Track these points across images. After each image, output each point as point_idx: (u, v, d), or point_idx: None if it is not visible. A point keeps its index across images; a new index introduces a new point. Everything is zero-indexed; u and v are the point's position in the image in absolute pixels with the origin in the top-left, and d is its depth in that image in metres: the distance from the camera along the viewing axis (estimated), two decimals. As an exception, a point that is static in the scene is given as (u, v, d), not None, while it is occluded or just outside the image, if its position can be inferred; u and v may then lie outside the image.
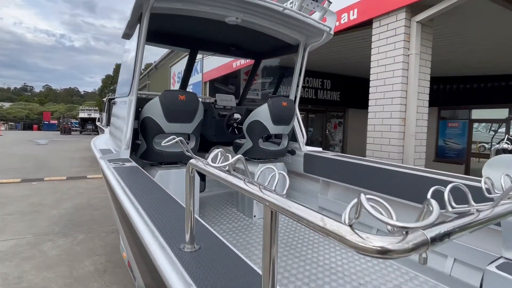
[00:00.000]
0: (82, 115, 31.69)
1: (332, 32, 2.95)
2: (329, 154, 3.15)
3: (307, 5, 2.68)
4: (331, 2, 2.80)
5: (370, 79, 4.26)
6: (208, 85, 10.71)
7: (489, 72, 9.17)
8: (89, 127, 31.36)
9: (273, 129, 3.06)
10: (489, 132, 10.00)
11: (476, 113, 10.29)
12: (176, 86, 15.37)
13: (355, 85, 11.80)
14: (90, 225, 4.72)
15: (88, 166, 10.29)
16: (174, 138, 1.04)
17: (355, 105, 12.12)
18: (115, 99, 3.20)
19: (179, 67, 14.66)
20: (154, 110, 2.49)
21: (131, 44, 3.02)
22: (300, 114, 3.98)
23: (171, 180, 2.63)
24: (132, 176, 1.75)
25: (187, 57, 13.24)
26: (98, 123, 15.55)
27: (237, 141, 3.39)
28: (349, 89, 11.44)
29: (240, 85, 10.25)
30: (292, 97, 3.43)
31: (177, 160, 2.71)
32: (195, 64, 12.23)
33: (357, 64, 9.15)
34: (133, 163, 2.10)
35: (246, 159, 3.39)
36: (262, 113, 3.00)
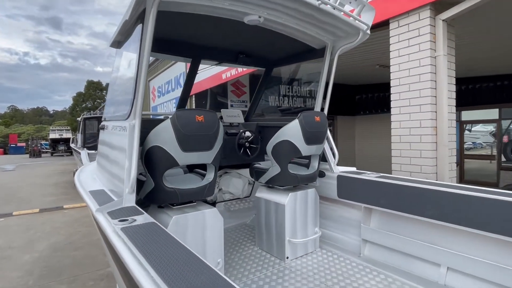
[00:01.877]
0: (53, 135, 29.76)
1: (368, 32, 2.49)
2: (368, 175, 2.65)
3: (345, -2, 2.20)
4: (370, -5, 2.35)
5: (391, 85, 3.85)
6: (194, 99, 10.07)
7: (476, 74, 9.19)
8: (61, 148, 29.46)
9: (305, 150, 2.52)
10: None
11: (466, 115, 10.30)
12: (156, 101, 14.56)
13: (342, 92, 11.61)
14: (73, 270, 3.92)
15: (63, 194, 9.27)
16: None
17: (343, 112, 11.93)
18: (105, 123, 2.54)
19: (159, 81, 13.91)
20: (165, 137, 1.88)
21: (125, 53, 2.40)
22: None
23: (190, 226, 2.01)
24: (154, 244, 1.14)
25: (166, 71, 12.50)
26: (72, 145, 14.35)
27: (257, 165, 2.81)
28: (336, 96, 11.18)
29: (227, 97, 9.69)
30: (317, 108, 2.92)
31: (194, 198, 2.10)
32: (178, 77, 11.59)
33: (345, 71, 8.90)
34: (146, 216, 1.49)
35: (270, 187, 2.81)
36: (292, 132, 2.46)
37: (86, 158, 9.47)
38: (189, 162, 1.99)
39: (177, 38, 2.77)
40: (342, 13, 2.26)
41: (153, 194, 2.00)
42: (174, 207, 2.12)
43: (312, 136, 2.50)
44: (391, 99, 3.86)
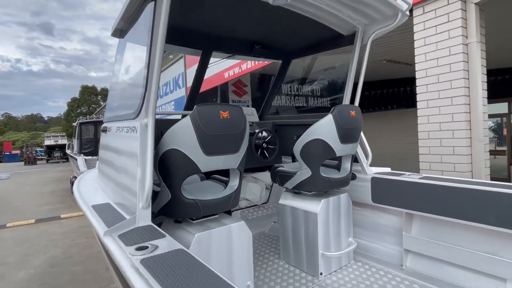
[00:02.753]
0: (48, 142, 29.21)
1: (408, 13, 2.17)
2: (408, 177, 2.33)
3: (385, -28, 1.89)
4: (412, -32, 2.03)
5: (416, 77, 3.54)
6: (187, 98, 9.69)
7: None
8: (56, 154, 28.92)
9: (340, 149, 2.19)
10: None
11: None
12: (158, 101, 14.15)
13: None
14: (73, 290, 3.56)
15: (59, 202, 8.86)
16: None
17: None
18: (107, 124, 2.20)
19: (161, 80, 13.53)
20: (183, 138, 1.55)
21: (131, 43, 2.07)
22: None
23: (214, 244, 1.68)
24: (188, 283, 0.81)
25: (164, 72, 12.14)
26: (68, 151, 13.90)
27: (282, 168, 2.48)
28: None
29: (228, 98, 9.36)
30: (345, 102, 2.59)
31: (219, 210, 1.76)
32: (176, 78, 11.22)
33: (346, 67, 8.62)
34: (170, 240, 1.15)
35: (296, 192, 2.48)
36: (325, 129, 2.13)
37: (83, 164, 9.12)
38: (213, 168, 1.65)
39: (186, 26, 2.44)
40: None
41: (170, 207, 1.66)
42: (194, 222, 1.78)
43: (348, 134, 2.18)
44: (417, 92, 3.55)
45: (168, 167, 1.60)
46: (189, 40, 2.61)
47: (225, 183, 2.00)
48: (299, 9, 2.11)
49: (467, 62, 3.18)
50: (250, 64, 6.53)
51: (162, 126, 2.52)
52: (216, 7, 2.12)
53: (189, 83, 9.97)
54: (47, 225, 6.45)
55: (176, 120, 2.55)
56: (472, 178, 3.20)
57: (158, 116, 2.70)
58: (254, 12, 2.19)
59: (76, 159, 9.75)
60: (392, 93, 10.61)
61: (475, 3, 3.12)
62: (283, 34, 2.69)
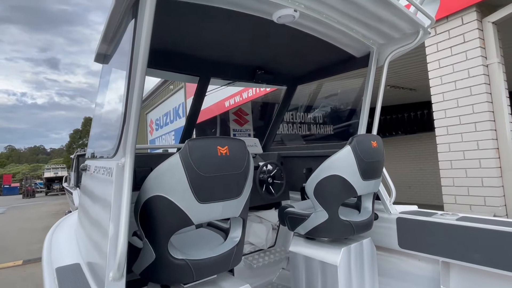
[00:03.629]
0: (48, 174, 28.88)
1: (430, 30, 1.92)
2: (443, 217, 1.96)
3: (405, -16, 1.65)
4: (434, -19, 1.80)
5: (433, 101, 3.26)
6: (194, 130, 9.48)
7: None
8: (56, 186, 28.48)
9: (362, 187, 1.85)
10: None
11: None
12: (154, 134, 13.99)
13: (348, 116, 11.12)
14: None
15: (52, 240, 8.33)
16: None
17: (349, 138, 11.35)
18: (88, 162, 1.89)
19: (156, 113, 13.44)
20: (171, 181, 1.22)
21: (115, 69, 1.80)
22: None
23: None
24: None
25: (164, 102, 12.05)
26: (65, 184, 13.51)
27: (291, 209, 2.12)
28: (342, 121, 10.66)
29: (229, 127, 9.13)
30: (361, 132, 2.28)
31: (217, 271, 1.39)
32: (177, 107, 11.09)
33: (347, 94, 8.44)
34: None
35: (309, 238, 2.11)
36: (342, 163, 1.80)
37: (78, 199, 8.71)
38: (208, 219, 1.31)
39: (180, 50, 2.19)
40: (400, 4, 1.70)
41: (154, 270, 1.29)
42: (185, 287, 1.40)
43: (370, 168, 1.84)
44: (434, 118, 3.26)
45: (151, 219, 1.26)
46: (185, 66, 2.36)
47: (225, 232, 1.64)
48: (307, 27, 1.86)
49: (489, 84, 2.91)
50: (251, 92, 6.35)
51: (154, 162, 2.21)
52: (214, 28, 1.88)
53: (190, 112, 9.79)
54: (35, 267, 5.95)
55: (164, 156, 2.22)
56: (506, 214, 2.81)
57: (148, 151, 2.41)
58: (256, 33, 1.95)
59: (71, 193, 9.36)
60: (396, 119, 10.38)
61: (492, 22, 2.90)
62: (288, 58, 2.44)
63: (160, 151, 3.24)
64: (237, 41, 2.12)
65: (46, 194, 28.12)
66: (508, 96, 3.08)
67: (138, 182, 1.88)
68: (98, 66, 1.88)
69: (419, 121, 9.74)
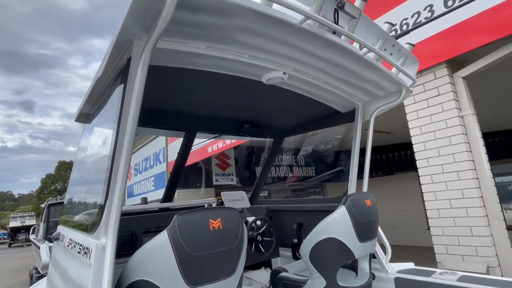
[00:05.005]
0: (13, 223, 26.73)
1: (412, 89, 2.00)
2: (440, 276, 1.88)
3: (386, 49, 1.73)
4: (413, 45, 1.91)
5: (415, 150, 3.34)
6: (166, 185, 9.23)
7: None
8: (21, 237, 26.24)
9: (359, 249, 1.76)
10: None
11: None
12: (132, 179, 13.50)
13: (333, 159, 11.29)
14: None
15: (12, 304, 7.46)
16: None
17: (332, 179, 11.44)
18: (61, 230, 1.72)
19: (136, 158, 13.11)
20: (157, 263, 1.09)
21: (97, 129, 1.72)
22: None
23: None
24: None
25: (144, 147, 11.81)
26: (31, 237, 12.43)
27: (285, 274, 1.98)
28: (326, 163, 10.80)
29: (211, 172, 8.97)
30: (352, 190, 2.25)
31: None
32: (157, 153, 10.87)
33: (328, 138, 8.66)
34: None
35: None
36: (338, 225, 1.73)
37: (46, 254, 7.93)
38: None
39: (167, 108, 2.15)
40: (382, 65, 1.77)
41: None
42: None
43: (366, 229, 1.77)
44: (418, 166, 3.31)
45: None
46: (170, 122, 2.31)
47: None
48: (294, 87, 1.89)
49: (466, 134, 3.02)
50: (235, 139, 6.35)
51: (135, 224, 2.04)
52: (202, 88, 1.86)
53: (171, 157, 9.61)
54: None
55: (146, 216, 2.05)
56: (499, 263, 2.77)
57: (128, 208, 2.25)
58: (244, 92, 1.95)
59: (38, 247, 8.56)
60: (375, 160, 10.64)
61: (462, 77, 3.11)
62: (275, 113, 2.46)
63: (144, 206, 3.06)
64: (225, 99, 2.11)
65: (10, 246, 25.80)
66: (484, 144, 3.21)
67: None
68: (75, 109, 1.78)
69: (397, 162, 10.00)
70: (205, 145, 7.29)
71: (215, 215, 1.21)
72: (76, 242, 1.33)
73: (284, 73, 1.64)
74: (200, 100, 2.08)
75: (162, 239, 1.11)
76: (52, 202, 10.42)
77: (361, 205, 1.79)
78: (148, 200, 3.19)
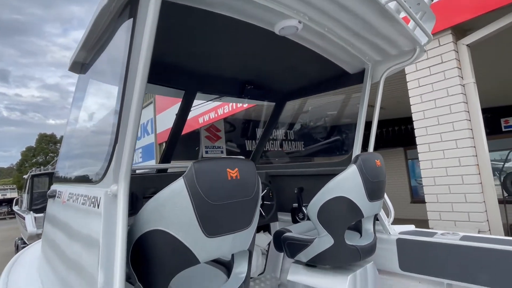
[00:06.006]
0: (-5, 196, 26.18)
1: (426, 48, 1.92)
2: (442, 237, 1.91)
3: (406, 0, 1.63)
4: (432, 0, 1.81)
5: (414, 119, 3.33)
6: (164, 147, 9.08)
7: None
8: (3, 210, 25.79)
9: (368, 209, 1.75)
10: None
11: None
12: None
13: (319, 135, 11.32)
14: None
15: (-1, 273, 7.35)
16: None
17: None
18: (57, 187, 1.61)
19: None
20: (174, 212, 1.02)
21: (95, 79, 1.58)
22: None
23: None
24: None
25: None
26: (15, 208, 12.18)
27: (289, 234, 1.96)
28: (313, 139, 10.82)
29: (200, 145, 8.85)
30: (356, 152, 2.21)
31: None
32: (145, 124, 10.60)
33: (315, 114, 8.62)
34: None
35: (309, 265, 1.94)
36: (349, 184, 1.69)
37: (32, 224, 7.82)
38: (216, 255, 1.11)
39: (167, 61, 2.00)
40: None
41: None
42: None
43: (375, 189, 1.75)
44: (416, 135, 3.31)
45: (148, 258, 1.04)
46: (170, 79, 2.17)
47: (225, 267, 1.44)
48: (306, 41, 1.77)
49: (466, 103, 3.02)
50: (227, 108, 6.21)
51: (135, 185, 1.96)
52: (208, 38, 1.73)
53: (159, 128, 9.38)
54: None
55: (152, 178, 1.96)
56: (489, 228, 2.86)
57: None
58: (252, 45, 1.82)
59: (23, 218, 8.41)
60: (364, 135, 10.74)
61: (467, 45, 3.05)
62: (280, 73, 2.35)
63: (149, 170, 2.94)
64: (229, 53, 1.98)
65: (-9, 219, 25.32)
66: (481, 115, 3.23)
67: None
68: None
69: (384, 138, 10.15)
70: (196, 116, 7.12)
71: (232, 164, 1.14)
72: (78, 195, 1.23)
73: (300, 22, 1.52)
74: (203, 54, 1.94)
75: (178, 186, 1.03)
76: (35, 173, 10.15)
77: (372, 164, 1.75)
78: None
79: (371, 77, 2.15)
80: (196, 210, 1.02)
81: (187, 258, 1.04)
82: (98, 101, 1.49)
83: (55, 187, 1.70)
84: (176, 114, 2.44)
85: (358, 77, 2.20)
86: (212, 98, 2.52)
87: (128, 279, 1.18)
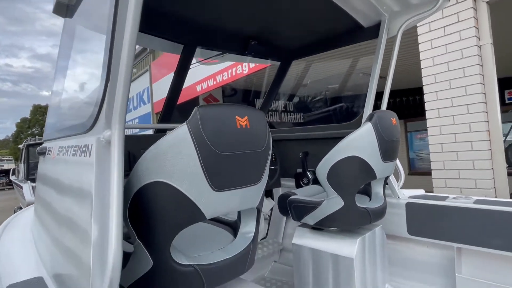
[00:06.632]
0: (-7, 167, 26.18)
1: (450, -4, 1.74)
2: (456, 201, 1.83)
3: None
4: None
5: (424, 83, 3.17)
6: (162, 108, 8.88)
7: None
8: (1, 181, 25.90)
9: (381, 170, 1.64)
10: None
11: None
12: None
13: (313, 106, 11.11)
14: None
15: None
16: None
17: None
18: (47, 145, 1.49)
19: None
20: (176, 161, 0.90)
21: (83, 23, 1.39)
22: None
23: None
24: None
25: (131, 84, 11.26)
26: (12, 178, 12.14)
27: (295, 196, 1.87)
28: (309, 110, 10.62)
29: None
30: (368, 112, 2.08)
31: (231, 277, 1.10)
32: (141, 93, 10.31)
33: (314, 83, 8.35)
34: None
35: (315, 228, 1.87)
36: (362, 142, 1.57)
37: (29, 193, 7.80)
38: (224, 211, 1.01)
39: (164, 9, 1.81)
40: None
41: (152, 281, 0.97)
42: None
43: (390, 148, 1.64)
44: (425, 100, 3.17)
45: (148, 213, 0.93)
46: (167, 30, 1.98)
47: (231, 226, 1.35)
48: None
49: (482, 65, 2.85)
50: (226, 75, 5.97)
51: (132, 144, 1.83)
52: None
53: (156, 97, 9.13)
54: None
55: (149, 138, 1.85)
56: (495, 196, 2.81)
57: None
58: None
59: (21, 187, 8.38)
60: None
61: (486, 2, 2.83)
62: (287, 27, 2.15)
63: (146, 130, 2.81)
64: (233, 3, 1.78)
65: (-9, 190, 25.46)
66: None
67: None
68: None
69: (395, 107, 10.01)
70: (194, 83, 6.88)
71: (242, 112, 1.00)
72: (68, 146, 1.11)
73: None
74: (204, 3, 1.74)
75: (181, 133, 0.90)
76: (30, 142, 9.99)
77: (387, 123, 1.63)
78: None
79: (387, 30, 1.97)
80: (202, 160, 0.90)
81: (192, 213, 0.93)
82: (87, 47, 1.32)
83: (45, 144, 1.57)
84: (175, 72, 2.27)
85: (373, 31, 2.02)
86: (213, 55, 2.32)
87: (128, 238, 1.09)
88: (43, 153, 1.49)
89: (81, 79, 1.34)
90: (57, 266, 1.04)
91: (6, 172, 25.00)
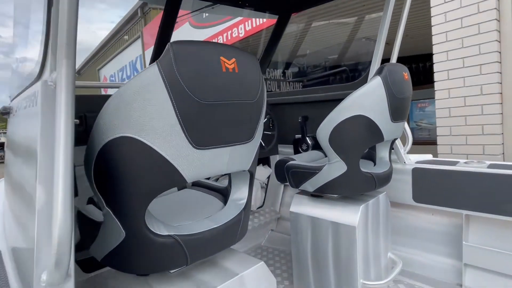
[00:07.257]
0: (3, 139, 26.01)
1: None
2: (467, 165, 1.69)
3: None
4: None
5: (434, 42, 2.93)
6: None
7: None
8: (1, 153, 25.82)
9: (389, 130, 1.48)
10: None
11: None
12: (108, 92, 12.65)
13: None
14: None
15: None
16: None
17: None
18: (12, 104, 1.30)
19: (110, 69, 12.04)
20: (146, 112, 0.72)
21: None
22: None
23: None
24: None
25: (118, 57, 10.79)
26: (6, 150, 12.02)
27: (293, 162, 1.71)
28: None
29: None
30: (375, 67, 1.87)
31: (218, 249, 0.96)
32: (134, 61, 9.91)
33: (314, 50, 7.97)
34: None
35: (314, 196, 1.74)
36: (370, 100, 1.39)
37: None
38: (208, 174, 0.85)
39: None
40: None
41: (125, 254, 0.83)
42: (172, 272, 0.97)
43: (400, 107, 1.46)
44: (434, 61, 2.95)
45: (114, 176, 0.76)
46: None
47: (221, 193, 1.20)
48: None
49: (499, 21, 2.60)
50: (221, 40, 5.63)
51: (89, 106, 1.57)
52: None
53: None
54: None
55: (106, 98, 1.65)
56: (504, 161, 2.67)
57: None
58: None
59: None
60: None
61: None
62: None
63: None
64: None
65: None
66: None
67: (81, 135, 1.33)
68: None
69: None
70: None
71: (228, 53, 0.81)
72: (22, 99, 0.92)
73: None
74: None
75: (150, 75, 0.71)
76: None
77: (399, 77, 1.44)
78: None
79: None
80: (178, 109, 0.72)
81: (168, 176, 0.77)
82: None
83: (10, 104, 1.39)
84: (158, 30, 2.02)
85: None
86: (203, 5, 2.06)
87: (95, 204, 0.94)
88: (6, 113, 1.31)
89: (32, 27, 1.12)
90: (13, 239, 0.90)
91: (2, 145, 24.86)
